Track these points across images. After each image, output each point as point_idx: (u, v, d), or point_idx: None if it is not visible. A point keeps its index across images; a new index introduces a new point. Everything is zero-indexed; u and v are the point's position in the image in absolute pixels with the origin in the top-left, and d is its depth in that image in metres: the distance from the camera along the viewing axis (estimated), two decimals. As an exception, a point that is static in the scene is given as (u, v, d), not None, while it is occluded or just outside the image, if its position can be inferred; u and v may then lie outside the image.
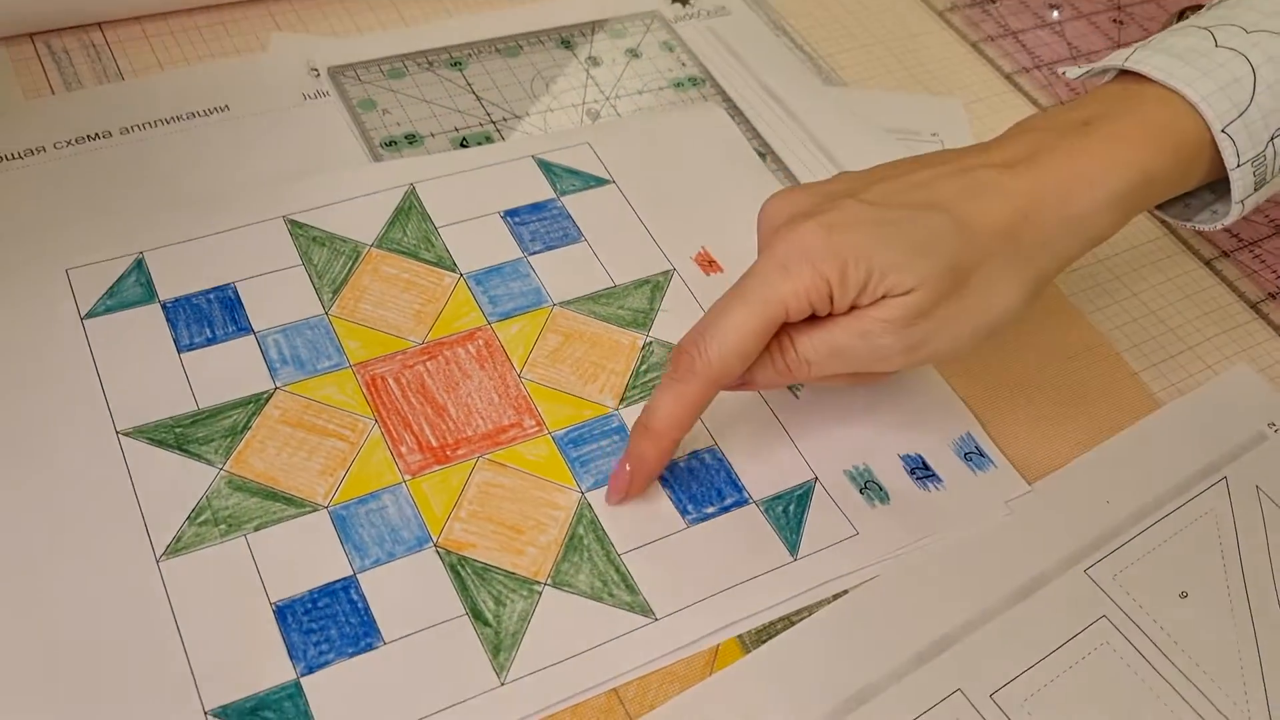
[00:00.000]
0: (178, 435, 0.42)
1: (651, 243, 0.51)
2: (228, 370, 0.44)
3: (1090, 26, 0.68)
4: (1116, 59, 0.44)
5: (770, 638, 0.40)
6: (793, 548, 0.42)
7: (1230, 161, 0.42)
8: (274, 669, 0.37)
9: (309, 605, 0.39)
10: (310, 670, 0.37)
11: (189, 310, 0.45)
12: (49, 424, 0.41)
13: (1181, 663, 0.41)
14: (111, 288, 0.46)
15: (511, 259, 0.49)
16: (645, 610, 0.40)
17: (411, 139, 0.54)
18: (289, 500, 0.41)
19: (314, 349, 0.45)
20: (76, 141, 0.51)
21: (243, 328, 0.45)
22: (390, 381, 0.45)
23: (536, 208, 0.52)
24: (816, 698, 0.39)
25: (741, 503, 0.43)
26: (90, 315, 0.45)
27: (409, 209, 0.51)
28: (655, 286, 0.49)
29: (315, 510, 0.41)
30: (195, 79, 0.54)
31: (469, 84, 0.57)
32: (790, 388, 0.47)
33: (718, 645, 0.40)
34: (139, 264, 0.47)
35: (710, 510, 0.43)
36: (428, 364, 0.45)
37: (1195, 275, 0.55)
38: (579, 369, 0.46)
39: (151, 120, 0.52)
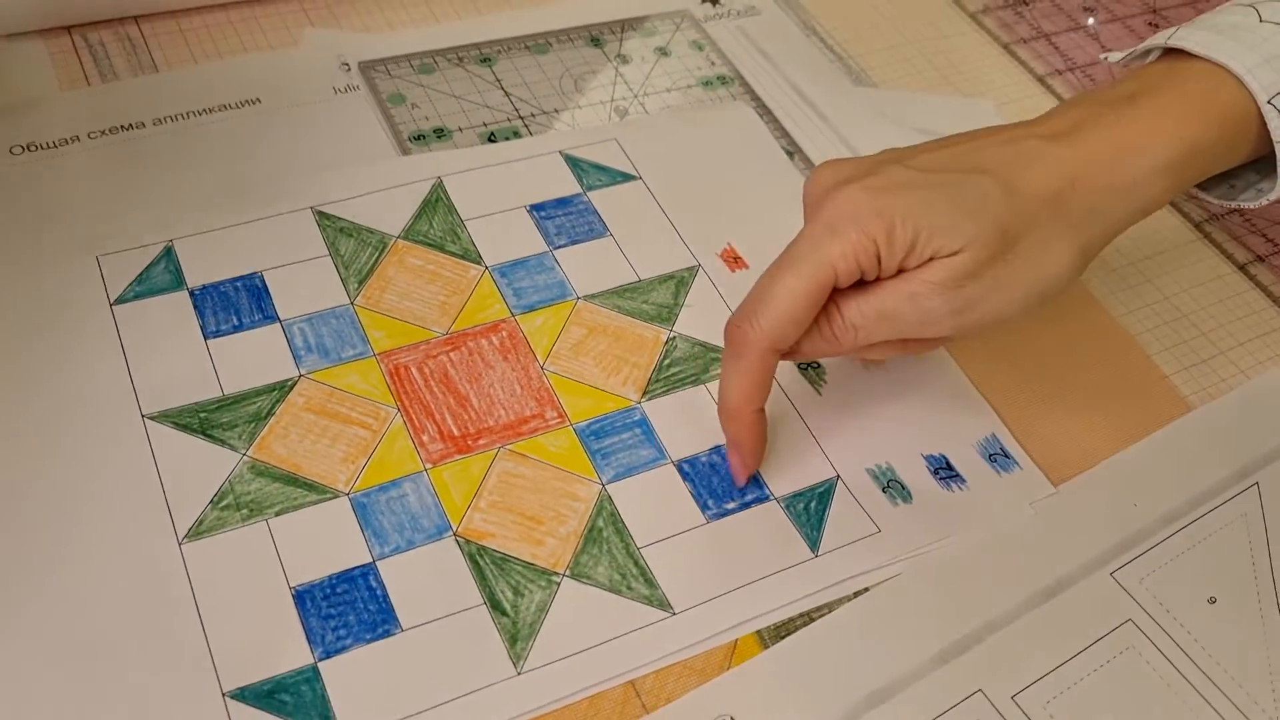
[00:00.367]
0: (202, 420, 0.42)
1: (677, 238, 0.51)
2: (253, 357, 0.44)
3: (1125, 30, 0.67)
4: (1159, 38, 0.44)
5: (789, 634, 0.40)
6: (813, 544, 0.42)
7: (1277, 133, 0.42)
8: (292, 653, 0.37)
9: (328, 590, 0.39)
10: (328, 655, 0.37)
11: (216, 297, 0.46)
12: (77, 406, 0.42)
13: (1208, 668, 0.40)
14: (141, 274, 0.46)
15: (537, 252, 0.50)
16: (664, 604, 0.40)
17: (440, 133, 0.54)
18: (310, 486, 0.41)
19: (339, 338, 0.45)
20: (110, 132, 0.51)
21: (269, 316, 0.46)
22: (413, 371, 0.45)
23: (563, 202, 0.52)
24: (835, 695, 0.38)
25: (762, 499, 0.43)
26: (119, 301, 0.45)
27: (436, 202, 0.51)
28: (680, 282, 0.49)
29: (336, 497, 0.41)
30: (228, 72, 0.55)
31: (498, 80, 0.57)
32: (813, 385, 0.47)
33: (736, 640, 0.39)
34: (168, 251, 0.47)
35: (731, 506, 0.43)
36: (451, 354, 0.46)
37: (1229, 280, 0.55)
38: (602, 362, 0.46)
39: (184, 112, 0.53)
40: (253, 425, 0.42)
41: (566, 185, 0.52)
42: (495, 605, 0.39)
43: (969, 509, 0.44)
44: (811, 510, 0.43)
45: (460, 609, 0.39)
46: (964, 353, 0.49)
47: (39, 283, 0.45)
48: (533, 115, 0.56)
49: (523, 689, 0.37)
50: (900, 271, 0.39)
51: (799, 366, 0.47)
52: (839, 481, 0.44)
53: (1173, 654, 0.41)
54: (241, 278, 0.47)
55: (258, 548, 0.39)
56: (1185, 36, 0.43)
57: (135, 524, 0.39)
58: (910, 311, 0.40)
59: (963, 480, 0.44)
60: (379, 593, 0.39)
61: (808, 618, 0.40)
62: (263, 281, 0.47)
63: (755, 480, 0.43)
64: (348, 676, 0.37)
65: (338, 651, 0.37)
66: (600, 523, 0.41)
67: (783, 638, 0.40)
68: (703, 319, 0.48)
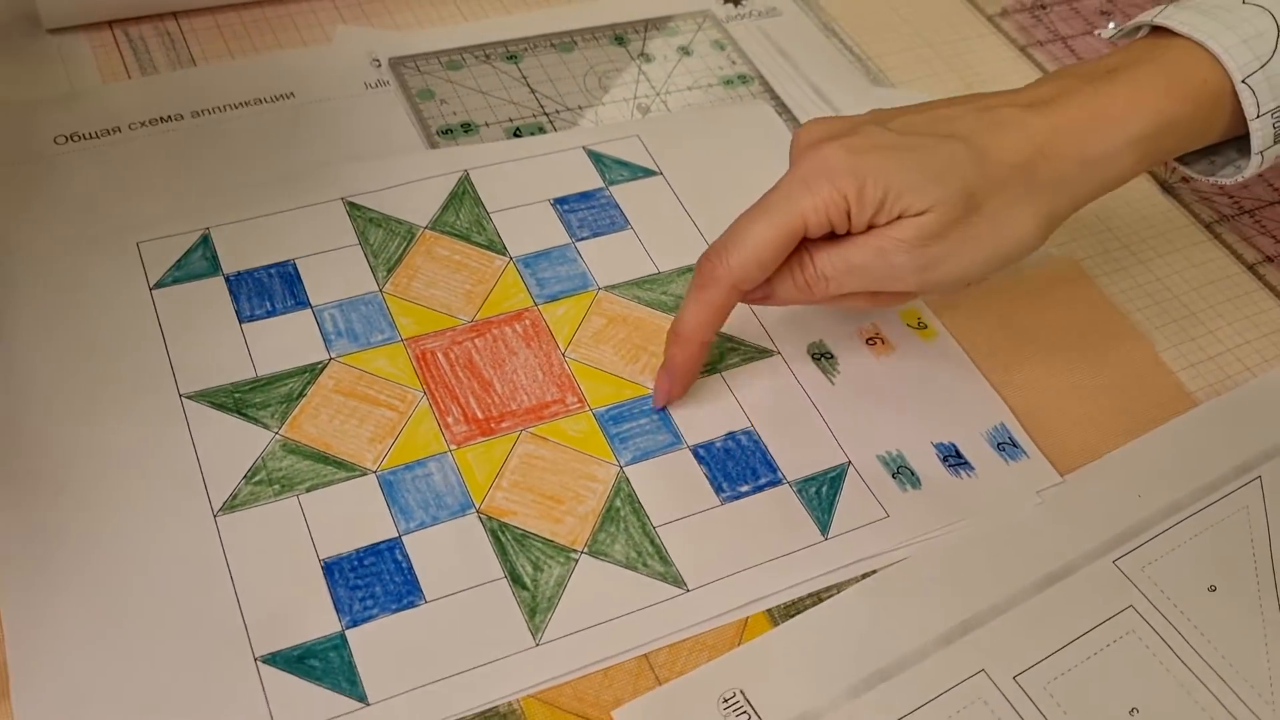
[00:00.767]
0: (237, 400, 0.44)
1: (696, 232, 0.53)
2: (285, 341, 0.46)
3: (1141, 34, 0.68)
4: (1147, 16, 0.46)
5: (798, 612, 0.41)
6: (824, 527, 0.43)
7: (1250, 112, 0.43)
8: (321, 621, 0.39)
9: (355, 563, 0.40)
10: (355, 624, 0.39)
11: (251, 284, 0.48)
12: (118, 385, 0.44)
13: (1207, 654, 0.42)
14: (179, 260, 0.48)
15: (560, 244, 0.51)
16: (678, 581, 0.41)
17: (467, 128, 0.56)
18: (339, 464, 0.43)
19: (368, 323, 0.47)
20: (150, 123, 0.53)
21: (301, 302, 0.47)
22: (439, 356, 0.46)
23: (585, 196, 0.53)
24: (841, 672, 0.40)
25: (775, 482, 0.44)
26: (158, 286, 0.47)
27: (463, 194, 0.52)
28: (698, 274, 0.51)
29: (364, 474, 0.43)
30: (263, 67, 0.57)
31: (524, 77, 0.59)
32: (826, 374, 0.48)
33: (747, 618, 0.41)
34: (205, 239, 0.49)
35: (744, 489, 0.44)
36: (476, 341, 0.47)
37: (1238, 279, 0.56)
38: (621, 350, 0.48)
39: (221, 105, 0.55)
40: (285, 405, 0.44)
41: (589, 180, 0.54)
42: (516, 579, 0.41)
43: (977, 496, 0.45)
44: (822, 494, 0.44)
45: (482, 582, 0.40)
46: (974, 344, 0.50)
47: (82, 266, 0.47)
48: (557, 111, 0.57)
49: (541, 659, 0.39)
50: (870, 228, 0.42)
51: (813, 357, 0.48)
52: (850, 467, 0.45)
53: (1172, 639, 0.42)
54: (275, 265, 0.48)
55: (289, 521, 0.41)
56: (1170, 15, 0.45)
57: (173, 497, 0.41)
58: (878, 265, 0.42)
59: (971, 468, 0.46)
60: (404, 565, 0.40)
61: (817, 598, 0.42)
62: (295, 269, 0.48)
63: (768, 464, 0.45)
64: (374, 644, 0.38)
65: (364, 620, 0.39)
66: (618, 503, 0.43)
67: (792, 616, 0.41)
68: (720, 310, 0.49)
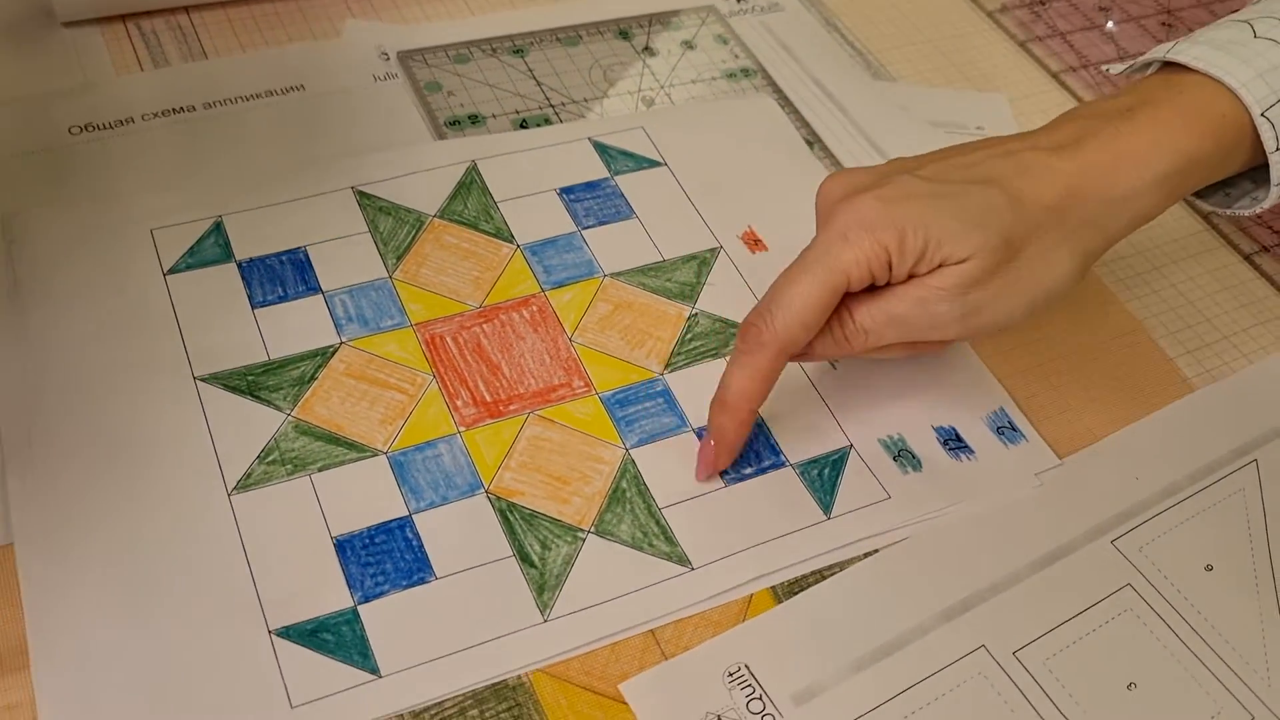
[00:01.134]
0: (250, 382, 0.45)
1: (700, 221, 0.53)
2: (297, 325, 0.47)
3: (1139, 30, 0.69)
4: (1159, 52, 0.46)
5: (801, 590, 0.42)
6: (826, 508, 0.44)
7: (1270, 145, 0.43)
8: (333, 596, 0.40)
9: (367, 541, 0.41)
10: (367, 599, 0.40)
11: (263, 270, 0.48)
12: (134, 368, 0.44)
13: (1203, 630, 0.42)
14: (192, 247, 0.49)
15: (566, 232, 0.52)
16: (683, 560, 0.42)
17: (474, 119, 0.57)
18: (351, 445, 0.43)
19: (378, 309, 0.48)
20: (163, 114, 0.54)
21: (312, 287, 0.48)
22: (448, 340, 0.47)
23: (591, 186, 0.54)
24: (844, 647, 0.40)
25: (778, 465, 0.45)
26: (172, 271, 0.48)
27: (470, 184, 0.53)
28: (702, 262, 0.52)
29: (375, 455, 0.43)
30: (274, 60, 0.58)
31: (530, 70, 0.59)
32: (829, 360, 0.49)
33: (751, 595, 0.42)
34: (218, 226, 0.50)
35: (748, 471, 0.45)
36: (484, 326, 0.48)
37: (1235, 269, 0.56)
38: (627, 335, 0.48)
39: (232, 97, 0.56)
40: (297, 388, 0.45)
41: (595, 170, 0.55)
42: (524, 557, 0.41)
43: (976, 478, 0.46)
44: (825, 476, 0.45)
45: (491, 560, 0.41)
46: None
47: (98, 253, 0.48)
48: (563, 104, 0.58)
49: (549, 635, 0.40)
50: (910, 277, 0.41)
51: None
52: (852, 450, 0.46)
53: (1169, 616, 0.43)
54: (286, 252, 0.49)
55: (301, 500, 0.42)
56: (1183, 51, 0.44)
57: (188, 476, 0.42)
58: (920, 316, 0.42)
59: (971, 451, 0.47)
60: (415, 543, 0.41)
61: (819, 575, 0.42)
62: (306, 256, 0.49)
63: (772, 448, 0.46)
64: (385, 619, 0.39)
65: (376, 596, 0.40)
66: (624, 484, 0.44)
67: (795, 593, 0.42)
68: (723, 297, 0.50)
